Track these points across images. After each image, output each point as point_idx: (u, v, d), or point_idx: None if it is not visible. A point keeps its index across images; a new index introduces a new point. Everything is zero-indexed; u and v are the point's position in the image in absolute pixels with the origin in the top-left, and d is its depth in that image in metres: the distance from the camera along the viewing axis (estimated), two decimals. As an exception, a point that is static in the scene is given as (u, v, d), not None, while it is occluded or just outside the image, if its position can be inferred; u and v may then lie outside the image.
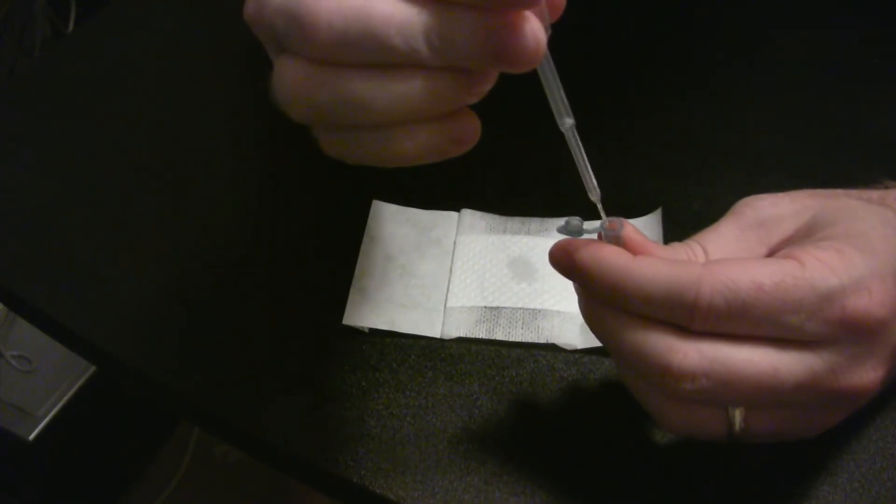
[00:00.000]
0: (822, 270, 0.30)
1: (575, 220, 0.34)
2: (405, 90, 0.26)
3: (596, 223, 0.33)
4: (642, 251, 0.33)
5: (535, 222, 0.45)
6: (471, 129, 0.28)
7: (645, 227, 0.44)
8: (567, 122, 0.30)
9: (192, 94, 0.55)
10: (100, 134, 0.53)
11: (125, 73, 0.57)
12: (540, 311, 0.42)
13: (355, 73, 0.26)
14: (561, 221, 0.45)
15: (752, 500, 0.36)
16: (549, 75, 0.29)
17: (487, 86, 0.27)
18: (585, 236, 0.34)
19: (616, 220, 0.33)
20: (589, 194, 0.33)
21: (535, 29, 0.25)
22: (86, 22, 0.67)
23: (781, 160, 0.48)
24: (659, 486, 0.37)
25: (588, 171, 0.32)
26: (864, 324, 0.30)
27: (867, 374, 0.31)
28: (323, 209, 0.48)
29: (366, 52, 0.25)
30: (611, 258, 0.32)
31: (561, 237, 0.34)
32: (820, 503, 0.36)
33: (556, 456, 0.38)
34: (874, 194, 0.35)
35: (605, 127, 0.51)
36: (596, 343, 0.40)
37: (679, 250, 0.34)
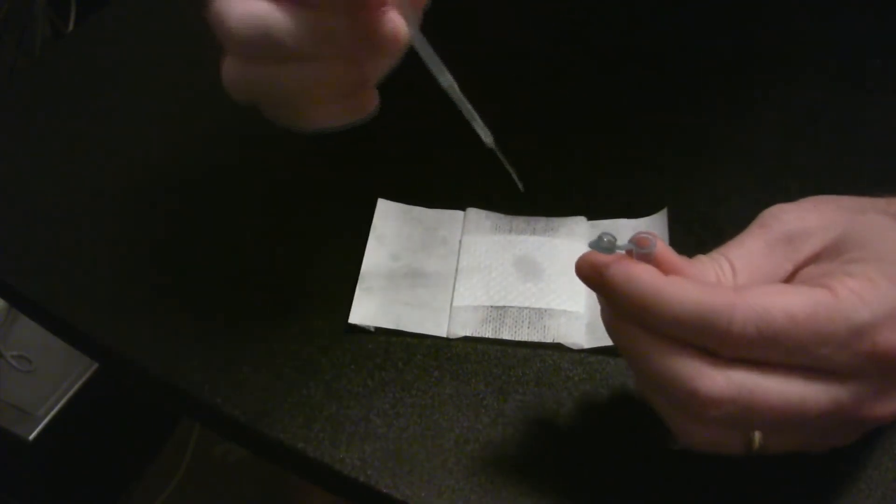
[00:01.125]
0: (855, 302, 0.29)
1: (608, 237, 0.33)
2: (309, 74, 0.34)
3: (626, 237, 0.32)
4: (673, 270, 0.32)
5: (540, 221, 0.45)
6: (369, 103, 0.36)
7: (650, 228, 0.44)
8: (446, 81, 0.36)
9: (192, 95, 0.55)
10: (100, 134, 0.53)
11: (125, 73, 0.57)
12: (546, 310, 0.42)
13: (272, 64, 0.34)
14: (575, 225, 0.45)
15: (754, 500, 0.36)
16: (425, 53, 0.35)
17: (378, 69, 0.35)
18: (617, 252, 0.33)
19: (648, 237, 0.32)
20: (484, 139, 0.38)
21: (393, 20, 0.32)
22: (86, 22, 0.67)
23: (786, 160, 0.48)
24: (662, 487, 0.37)
25: (476, 119, 0.38)
26: (893, 358, 0.30)
27: (891, 405, 0.31)
28: (328, 208, 0.48)
29: (268, 50, 0.33)
30: (642, 277, 0.31)
31: (588, 249, 0.33)
32: (824, 504, 0.36)
33: (562, 455, 0.38)
34: None
35: (610, 127, 0.51)
36: (602, 343, 0.40)
37: (706, 265, 0.33)
